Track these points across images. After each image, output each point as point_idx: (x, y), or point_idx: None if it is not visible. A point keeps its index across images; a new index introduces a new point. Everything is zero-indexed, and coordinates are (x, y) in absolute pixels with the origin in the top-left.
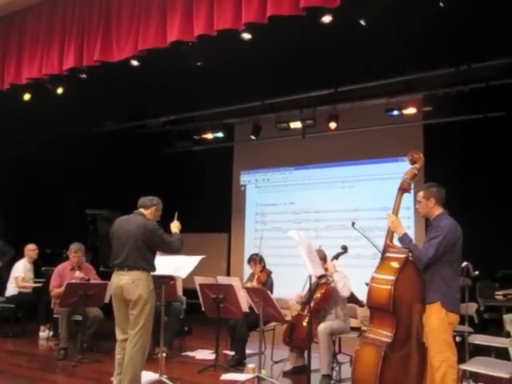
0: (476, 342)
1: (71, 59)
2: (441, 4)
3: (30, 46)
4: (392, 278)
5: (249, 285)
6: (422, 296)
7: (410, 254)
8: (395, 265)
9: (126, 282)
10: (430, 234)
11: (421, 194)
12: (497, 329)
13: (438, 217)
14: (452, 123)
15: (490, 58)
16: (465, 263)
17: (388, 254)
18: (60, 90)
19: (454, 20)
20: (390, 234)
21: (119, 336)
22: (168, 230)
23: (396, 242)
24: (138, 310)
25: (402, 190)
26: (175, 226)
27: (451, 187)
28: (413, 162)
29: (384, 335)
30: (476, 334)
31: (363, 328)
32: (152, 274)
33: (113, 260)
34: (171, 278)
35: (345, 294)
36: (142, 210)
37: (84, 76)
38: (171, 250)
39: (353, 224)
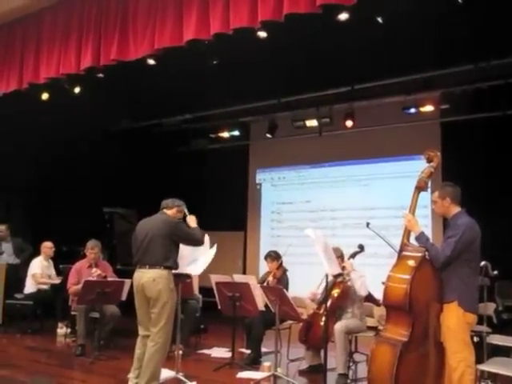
0: (494, 343)
1: (88, 58)
2: (459, 0)
3: (47, 46)
4: (408, 277)
5: (270, 280)
6: (439, 295)
7: (426, 253)
8: (412, 264)
9: (147, 279)
10: (448, 232)
11: (436, 194)
12: None
13: (456, 215)
14: (470, 121)
15: (509, 55)
16: (483, 262)
17: (405, 253)
18: (77, 90)
19: (472, 16)
20: (406, 232)
21: (141, 332)
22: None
23: (413, 240)
24: (158, 309)
25: (419, 188)
26: (192, 220)
27: (469, 185)
28: (429, 160)
29: (400, 334)
30: (494, 334)
31: (379, 327)
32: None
33: (135, 257)
34: (188, 277)
35: (362, 293)
36: (164, 210)
37: (101, 75)
38: (195, 241)
39: (367, 224)
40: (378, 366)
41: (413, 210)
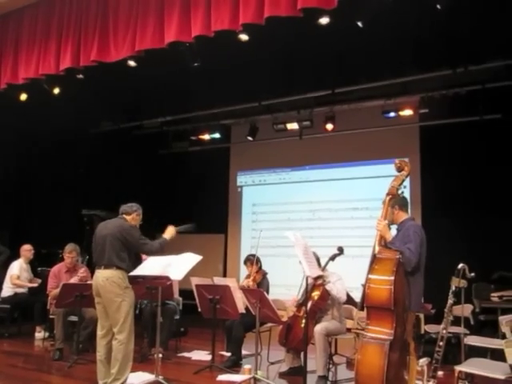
0: (471, 344)
1: (68, 59)
2: (438, 6)
3: (26, 46)
4: (391, 277)
5: (245, 283)
6: (408, 295)
7: (399, 256)
8: (390, 265)
9: (101, 279)
10: (402, 238)
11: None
12: (492, 330)
13: (404, 221)
14: (448, 125)
15: (487, 61)
16: (461, 265)
17: (380, 256)
18: (57, 91)
19: (450, 22)
20: (379, 238)
21: (98, 332)
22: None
23: None
24: (115, 307)
25: (391, 195)
26: (169, 232)
27: (447, 189)
28: (400, 169)
29: (385, 333)
30: (471, 336)
31: (355, 330)
32: (147, 274)
33: (94, 258)
34: (167, 279)
35: (342, 299)
36: (124, 216)
37: (81, 76)
38: (146, 251)
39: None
40: (367, 366)
41: (385, 216)
